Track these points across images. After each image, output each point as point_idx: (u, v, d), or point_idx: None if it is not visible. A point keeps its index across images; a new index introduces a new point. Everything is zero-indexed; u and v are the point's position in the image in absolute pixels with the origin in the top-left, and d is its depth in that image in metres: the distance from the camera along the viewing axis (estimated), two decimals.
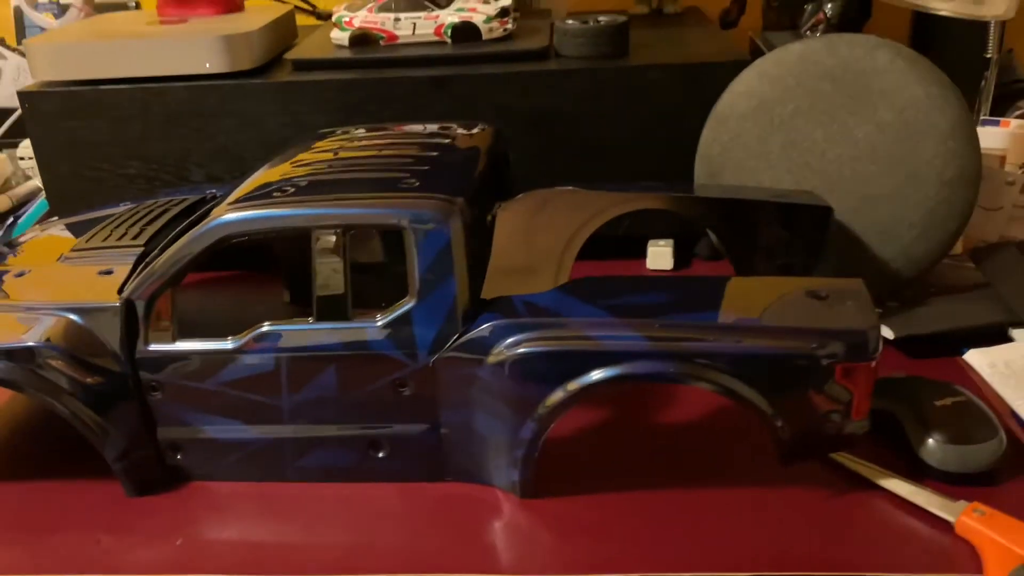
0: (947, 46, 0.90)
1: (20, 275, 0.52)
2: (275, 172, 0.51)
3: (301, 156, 0.53)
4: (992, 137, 0.70)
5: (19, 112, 0.80)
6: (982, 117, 0.75)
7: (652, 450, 0.51)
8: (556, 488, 0.48)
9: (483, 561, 0.44)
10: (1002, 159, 0.69)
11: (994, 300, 0.61)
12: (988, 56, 0.75)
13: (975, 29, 0.76)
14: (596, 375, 0.44)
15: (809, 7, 0.82)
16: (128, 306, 0.47)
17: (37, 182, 0.91)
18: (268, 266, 0.68)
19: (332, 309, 0.46)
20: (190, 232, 0.47)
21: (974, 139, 0.59)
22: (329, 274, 0.46)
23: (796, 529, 0.45)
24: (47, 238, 0.59)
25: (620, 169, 0.70)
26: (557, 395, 0.45)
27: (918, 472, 0.47)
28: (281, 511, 0.48)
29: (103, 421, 0.47)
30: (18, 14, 0.99)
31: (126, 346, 0.47)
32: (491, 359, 0.45)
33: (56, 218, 0.65)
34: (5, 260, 0.56)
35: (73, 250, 0.54)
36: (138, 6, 1.00)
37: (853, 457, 0.48)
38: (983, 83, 0.75)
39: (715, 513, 0.46)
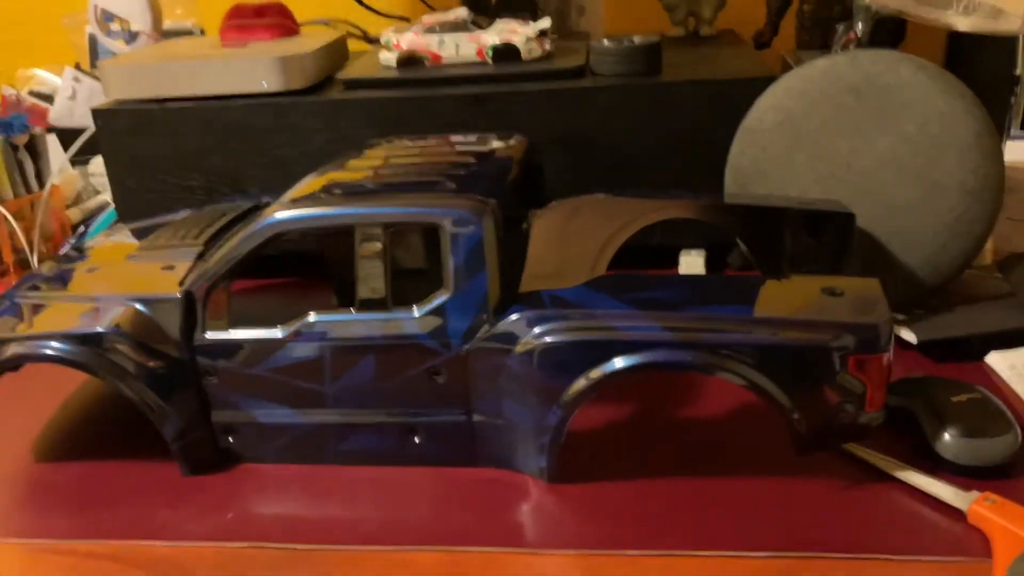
0: (981, 67, 0.92)
1: (91, 271, 0.57)
2: (324, 177, 0.55)
3: (349, 163, 0.58)
4: (1021, 151, 0.71)
5: (91, 130, 0.86)
6: (1013, 131, 0.76)
7: (674, 440, 0.54)
8: (582, 474, 0.51)
9: (511, 537, 0.47)
10: None
11: (1019, 307, 0.63)
12: (1017, 73, 0.76)
13: (1008, 48, 0.78)
14: (617, 363, 0.47)
15: (841, 27, 0.84)
16: (188, 297, 0.51)
17: (105, 196, 0.98)
18: (320, 273, 0.72)
19: (373, 301, 0.50)
20: (244, 230, 0.51)
21: (996, 150, 0.61)
22: (371, 269, 0.50)
23: (812, 514, 0.47)
24: (112, 244, 0.64)
25: (652, 182, 0.73)
26: (580, 383, 0.48)
27: (934, 467, 0.49)
28: (322, 490, 0.51)
29: (164, 403, 0.51)
30: (92, 41, 1.07)
31: (185, 334, 0.51)
32: (519, 349, 0.48)
33: (121, 224, 0.70)
34: (74, 262, 0.61)
35: (139, 249, 0.58)
36: (203, 32, 1.06)
37: (870, 450, 0.50)
38: (1012, 99, 0.76)
39: (734, 498, 0.48)
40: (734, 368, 0.46)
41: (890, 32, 0.84)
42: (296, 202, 0.51)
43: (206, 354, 0.51)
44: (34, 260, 0.85)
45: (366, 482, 0.52)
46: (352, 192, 0.51)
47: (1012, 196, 0.62)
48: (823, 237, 0.61)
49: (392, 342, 0.50)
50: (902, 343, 0.61)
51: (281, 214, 0.50)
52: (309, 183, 0.55)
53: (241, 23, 0.84)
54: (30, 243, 0.85)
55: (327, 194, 0.51)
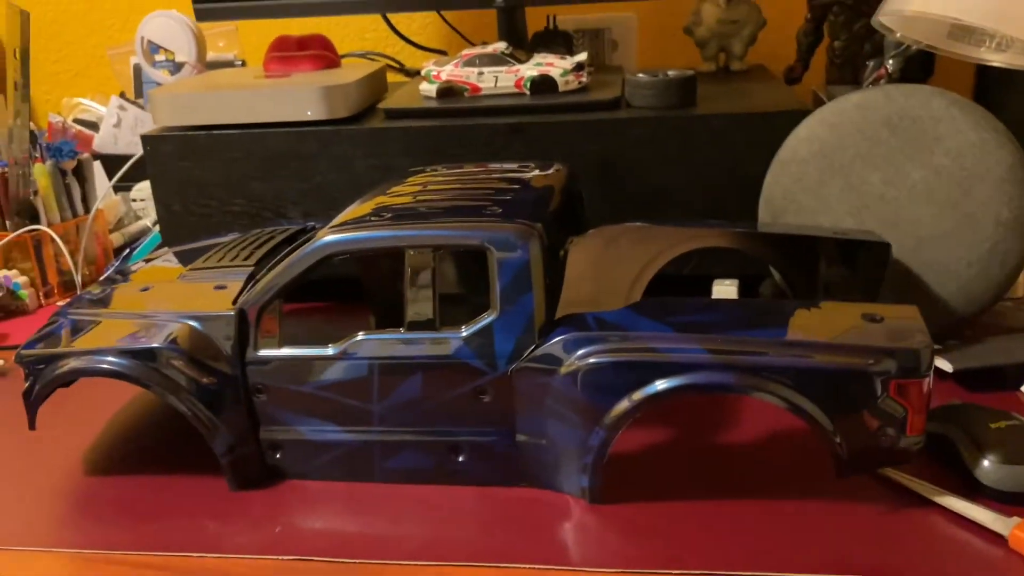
0: (1011, 101, 0.93)
1: (144, 290, 0.59)
2: (371, 203, 0.57)
3: (394, 189, 0.59)
4: None
5: (135, 158, 0.88)
6: None
7: (714, 462, 0.54)
8: (624, 495, 0.51)
9: (554, 556, 0.47)
10: None
11: None
12: None
13: None
14: (660, 385, 0.48)
15: (871, 63, 0.85)
16: (241, 315, 0.53)
17: (147, 221, 1.00)
18: (354, 298, 0.74)
19: (421, 322, 0.51)
20: (297, 251, 0.53)
21: None
22: (420, 290, 0.51)
23: (852, 537, 0.47)
24: (155, 267, 0.65)
25: (686, 212, 0.74)
26: (623, 404, 0.49)
27: (973, 493, 0.49)
28: (367, 507, 0.52)
29: (215, 418, 0.53)
30: (137, 71, 1.10)
31: (238, 351, 0.53)
32: (563, 370, 0.49)
33: (165, 248, 0.72)
34: (122, 283, 0.62)
35: (190, 269, 0.60)
36: (244, 64, 1.09)
37: (909, 476, 0.51)
38: None
39: (774, 520, 0.49)
40: (777, 391, 0.47)
41: (920, 67, 0.86)
42: (347, 224, 0.53)
43: (257, 371, 0.53)
44: (79, 281, 0.87)
45: (409, 500, 0.53)
46: (401, 216, 0.53)
47: None
48: (857, 267, 0.62)
49: (439, 361, 0.51)
50: (938, 372, 0.61)
51: (333, 236, 0.52)
52: (357, 208, 0.56)
53: (284, 55, 0.87)
54: (75, 265, 0.87)
55: (377, 218, 0.53)
